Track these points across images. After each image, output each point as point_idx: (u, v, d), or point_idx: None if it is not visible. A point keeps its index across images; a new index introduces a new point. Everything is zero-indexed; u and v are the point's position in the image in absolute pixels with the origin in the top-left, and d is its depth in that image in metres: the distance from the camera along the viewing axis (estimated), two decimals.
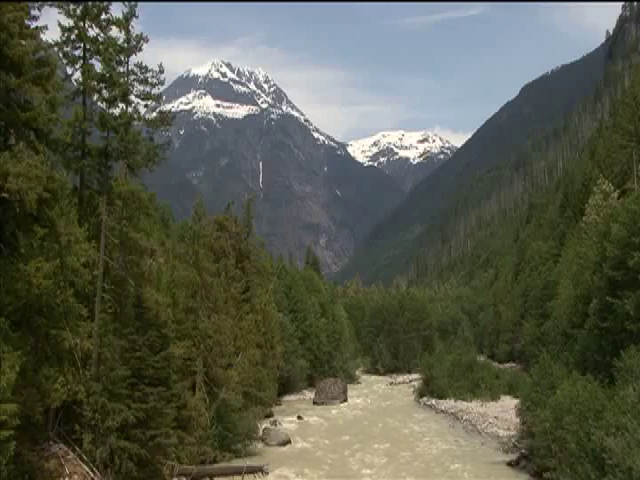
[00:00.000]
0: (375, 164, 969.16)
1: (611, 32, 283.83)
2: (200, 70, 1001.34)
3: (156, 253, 42.20)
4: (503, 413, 58.20)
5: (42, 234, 27.07)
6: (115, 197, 33.50)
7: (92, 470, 28.91)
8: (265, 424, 55.32)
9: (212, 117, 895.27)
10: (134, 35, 33.90)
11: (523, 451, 40.65)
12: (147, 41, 34.29)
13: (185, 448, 38.11)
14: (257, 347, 58.44)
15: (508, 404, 58.91)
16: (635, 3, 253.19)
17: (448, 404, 71.39)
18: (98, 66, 33.67)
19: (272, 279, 75.00)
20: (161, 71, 34.78)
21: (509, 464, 41.75)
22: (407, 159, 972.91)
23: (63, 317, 28.70)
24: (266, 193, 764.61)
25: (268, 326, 66.87)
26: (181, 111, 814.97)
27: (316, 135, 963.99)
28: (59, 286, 28.29)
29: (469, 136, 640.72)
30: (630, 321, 35.95)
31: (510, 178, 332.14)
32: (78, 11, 32.74)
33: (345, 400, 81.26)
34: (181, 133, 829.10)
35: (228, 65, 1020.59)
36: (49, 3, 31.14)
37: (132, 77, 34.10)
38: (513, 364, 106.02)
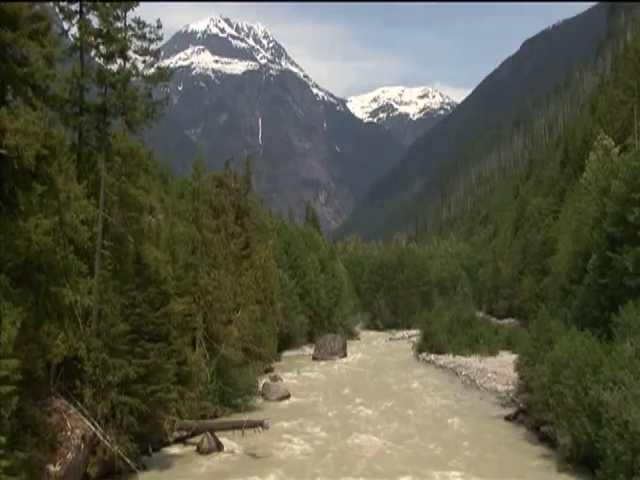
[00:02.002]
0: (375, 120, 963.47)
1: None
2: (198, 26, 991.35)
3: (155, 210, 42.24)
4: (501, 368, 58.53)
5: (41, 191, 26.98)
6: (114, 154, 33.38)
7: (93, 424, 29.16)
8: (265, 379, 55.71)
9: (211, 73, 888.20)
10: None
11: (521, 405, 40.95)
12: None
13: (185, 403, 38.41)
14: (257, 303, 58.62)
15: (506, 359, 59.25)
16: None
17: (447, 359, 71.84)
18: (95, 22, 33.39)
19: (272, 235, 75.11)
20: (159, 26, 34.44)
21: (507, 418, 42.11)
22: (407, 115, 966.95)
23: (63, 274, 28.74)
24: (265, 149, 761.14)
25: (268, 282, 67.02)
26: (179, 67, 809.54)
27: (315, 91, 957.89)
28: (59, 243, 28.30)
29: (469, 92, 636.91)
30: (629, 277, 36.03)
31: (510, 134, 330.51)
32: None
33: (344, 355, 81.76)
34: (179, 89, 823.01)
35: (227, 20, 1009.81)
36: None
37: (130, 33, 33.76)
38: (512, 320, 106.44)
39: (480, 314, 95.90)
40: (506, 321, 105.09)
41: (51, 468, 26.03)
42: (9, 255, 25.11)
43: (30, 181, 26.04)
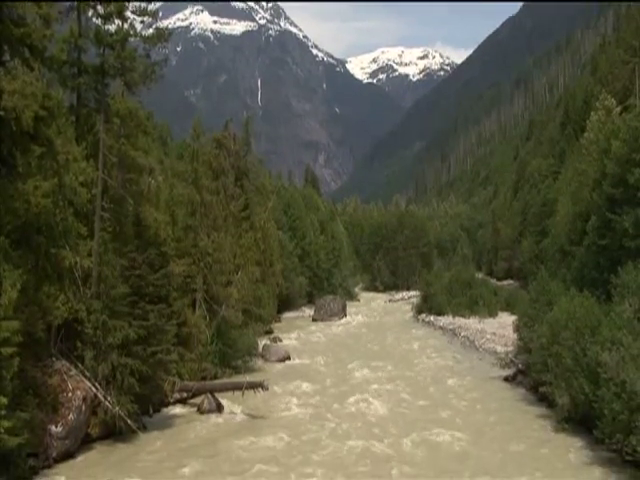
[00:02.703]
0: (374, 81, 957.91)
1: None
2: None
3: (155, 171, 42.09)
4: (500, 329, 58.72)
5: (39, 153, 26.93)
6: (113, 115, 33.19)
7: (94, 386, 29.33)
8: (265, 341, 55.90)
9: (209, 34, 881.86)
10: None
11: (520, 366, 41.12)
12: None
13: (186, 364, 38.61)
14: (256, 265, 58.68)
15: (506, 320, 59.44)
16: None
17: (446, 320, 72.04)
18: None
19: (271, 197, 75.03)
20: None
21: (506, 379, 42.32)
22: (407, 76, 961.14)
23: (63, 236, 28.76)
24: (265, 111, 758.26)
25: (267, 244, 67.10)
26: (178, 28, 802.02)
27: (315, 52, 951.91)
28: (58, 205, 28.28)
29: (470, 52, 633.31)
30: (628, 238, 36.00)
31: (510, 95, 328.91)
32: None
33: (344, 317, 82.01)
34: (178, 50, 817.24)
35: None
36: None
37: None
38: (511, 281, 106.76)
39: (479, 275, 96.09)
40: (505, 282, 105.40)
41: (53, 429, 26.26)
42: (8, 217, 25.12)
43: (28, 143, 25.98)
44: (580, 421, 29.83)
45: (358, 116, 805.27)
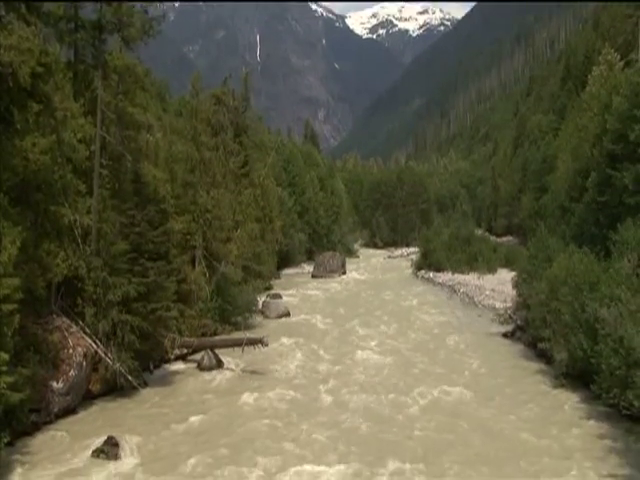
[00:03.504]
0: (374, 37, 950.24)
1: None
2: None
3: (153, 128, 41.89)
4: (500, 285, 58.89)
5: (37, 109, 26.75)
6: (110, 71, 32.92)
7: (95, 342, 29.46)
8: (264, 297, 56.01)
9: None
10: None
11: (518, 322, 41.30)
12: None
13: (186, 321, 38.74)
14: (256, 221, 58.71)
15: (505, 277, 59.55)
16: None
17: (445, 277, 72.28)
18: None
19: (270, 153, 74.82)
20: None
21: (504, 335, 42.53)
22: (406, 31, 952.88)
23: (61, 193, 28.69)
24: (264, 67, 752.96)
25: (267, 200, 67.05)
26: None
27: (314, 7, 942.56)
28: (56, 162, 28.15)
29: (470, 8, 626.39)
30: (628, 194, 35.93)
31: (511, 50, 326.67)
32: None
33: (343, 273, 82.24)
34: (176, 6, 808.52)
35: None
36: None
37: None
38: (511, 237, 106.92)
39: (479, 232, 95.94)
40: (505, 239, 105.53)
41: (54, 385, 26.42)
42: (7, 174, 25.04)
43: (26, 99, 25.79)
44: (578, 376, 30.03)
45: (358, 72, 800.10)
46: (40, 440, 24.66)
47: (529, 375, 33.73)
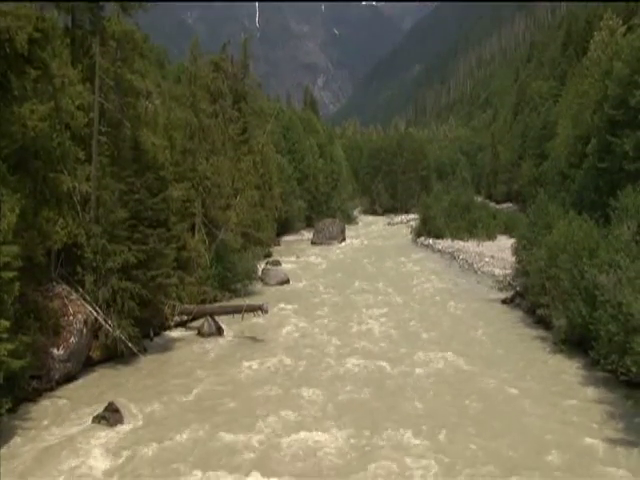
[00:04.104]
0: (374, 2, 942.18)
1: None
2: None
3: (152, 95, 41.62)
4: (499, 252, 58.95)
5: (35, 76, 26.57)
6: (108, 38, 32.67)
7: (95, 310, 29.53)
8: (264, 264, 56.10)
9: None
10: None
11: (517, 289, 41.39)
12: None
13: (186, 288, 38.77)
14: (255, 188, 58.55)
15: (504, 243, 59.59)
16: None
17: (445, 244, 72.34)
18: None
19: (270, 120, 74.46)
20: None
21: (503, 301, 42.64)
22: None
23: (60, 160, 28.59)
24: (263, 33, 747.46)
25: (266, 167, 66.88)
26: None
27: None
28: (55, 129, 28.03)
29: None
30: (628, 161, 35.85)
31: (512, 16, 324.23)
32: None
33: (343, 240, 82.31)
34: None
35: None
36: None
37: None
38: (510, 204, 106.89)
39: (479, 199, 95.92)
40: (504, 205, 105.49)
41: (55, 352, 26.52)
42: (5, 141, 24.93)
43: (23, 65, 25.63)
44: (576, 343, 30.16)
45: (357, 38, 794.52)
46: (41, 406, 24.80)
47: (528, 341, 33.86)
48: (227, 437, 21.77)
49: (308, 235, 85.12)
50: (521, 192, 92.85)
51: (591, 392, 26.00)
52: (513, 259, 42.84)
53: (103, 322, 29.61)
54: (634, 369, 22.04)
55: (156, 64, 74.12)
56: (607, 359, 24.63)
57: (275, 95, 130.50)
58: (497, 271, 50.27)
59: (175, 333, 36.50)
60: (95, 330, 29.55)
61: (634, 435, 21.53)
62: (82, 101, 30.60)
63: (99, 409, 23.63)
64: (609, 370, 25.41)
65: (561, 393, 26.03)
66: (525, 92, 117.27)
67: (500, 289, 42.80)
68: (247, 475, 18.94)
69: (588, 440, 21.42)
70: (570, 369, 28.91)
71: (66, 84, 29.55)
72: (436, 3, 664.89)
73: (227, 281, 45.14)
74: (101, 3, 32.25)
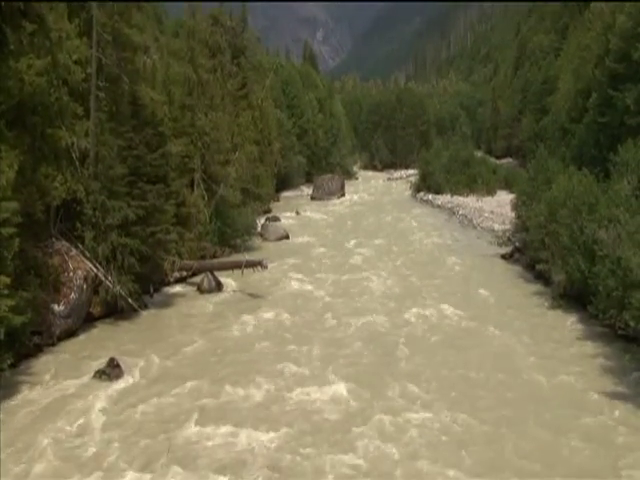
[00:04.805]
0: None
1: None
2: None
3: (150, 50, 41.38)
4: (499, 208, 58.90)
5: (31, 30, 26.32)
6: None
7: (95, 266, 29.57)
8: (263, 220, 56.10)
9: None
10: None
11: (517, 244, 41.41)
12: None
13: (185, 244, 38.76)
14: (254, 144, 58.38)
15: (504, 199, 59.52)
16: None
17: (444, 199, 72.23)
18: None
19: (269, 75, 74.07)
20: None
21: (503, 257, 42.69)
22: None
23: (58, 116, 28.44)
24: None
25: (265, 122, 66.65)
26: None
27: None
28: (52, 84, 27.81)
29: None
30: (629, 115, 35.74)
31: None
32: None
33: (342, 195, 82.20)
34: None
35: None
36: None
37: None
38: (510, 159, 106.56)
39: (478, 154, 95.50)
40: (504, 161, 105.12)
41: (55, 307, 26.64)
42: (2, 96, 24.79)
43: (19, 19, 25.41)
44: (575, 298, 30.26)
45: None
46: (43, 362, 24.97)
47: (527, 296, 33.97)
48: (227, 392, 21.93)
49: (307, 191, 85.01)
50: (521, 147, 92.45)
51: (589, 346, 26.16)
52: (512, 214, 42.81)
53: (103, 278, 29.67)
54: (632, 323, 22.14)
55: (154, 18, 73.38)
56: (605, 314, 24.72)
57: (274, 50, 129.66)
58: (496, 226, 50.27)
59: (175, 289, 36.62)
60: (95, 286, 29.63)
61: (631, 389, 21.70)
62: (79, 56, 30.30)
63: (100, 364, 23.80)
64: (607, 325, 25.58)
65: (559, 347, 26.18)
66: (526, 46, 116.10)
67: (499, 244, 42.82)
68: (247, 429, 19.11)
69: (585, 393, 21.60)
70: (568, 323, 29.05)
71: (63, 38, 29.25)
72: None
73: (226, 237, 45.21)
74: None
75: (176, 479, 16.65)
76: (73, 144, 28.93)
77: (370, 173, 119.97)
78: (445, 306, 31.71)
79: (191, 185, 43.93)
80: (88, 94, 30.65)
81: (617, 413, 20.08)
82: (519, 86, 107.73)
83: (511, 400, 21.31)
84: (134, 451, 18.12)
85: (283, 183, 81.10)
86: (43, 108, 27.24)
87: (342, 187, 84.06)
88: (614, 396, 21.21)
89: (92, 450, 18.18)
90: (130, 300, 30.30)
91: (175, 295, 35.43)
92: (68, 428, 19.44)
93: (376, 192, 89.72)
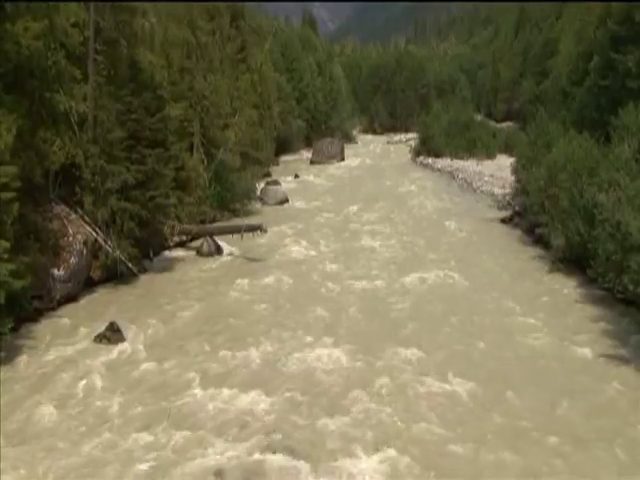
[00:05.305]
0: None
1: None
2: None
3: (148, 13, 41.02)
4: (498, 171, 58.74)
5: None
6: None
7: (94, 230, 29.55)
8: (263, 184, 55.97)
9: None
10: None
11: (516, 208, 41.38)
12: None
13: (185, 208, 38.72)
14: (254, 107, 58.17)
15: (504, 163, 59.29)
16: None
17: (444, 163, 72.09)
18: None
19: (268, 38, 73.47)
20: None
21: (502, 221, 42.70)
22: None
23: (56, 79, 28.26)
24: None
25: (264, 86, 66.31)
26: None
27: None
28: (49, 47, 27.60)
29: None
30: (631, 78, 35.50)
31: None
32: None
33: (342, 159, 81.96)
34: None
35: None
36: None
37: None
38: (510, 123, 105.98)
39: (478, 117, 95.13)
40: (504, 124, 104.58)
41: (55, 272, 26.66)
42: None
43: None
44: (574, 261, 30.29)
45: None
46: (43, 326, 25.06)
47: (526, 260, 34.03)
48: (227, 356, 22.02)
49: (307, 154, 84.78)
50: (521, 110, 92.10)
51: (588, 309, 26.26)
52: (512, 178, 42.74)
53: (103, 243, 29.68)
54: (631, 287, 22.17)
55: None
56: (604, 277, 24.75)
57: (273, 12, 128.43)
58: (496, 190, 50.19)
59: (174, 253, 36.65)
60: (95, 251, 29.63)
61: (630, 352, 21.79)
62: (77, 19, 30.08)
63: (100, 328, 23.86)
64: (606, 288, 25.58)
65: (558, 310, 26.27)
66: (527, 9, 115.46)
67: (499, 208, 42.83)
68: (247, 393, 19.19)
69: (584, 356, 21.71)
70: (567, 287, 29.12)
71: (60, 1, 29.03)
72: None
73: (226, 201, 45.16)
74: None
75: (177, 441, 16.76)
76: (71, 108, 28.78)
77: (370, 137, 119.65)
78: (445, 271, 31.75)
79: (190, 149, 43.82)
80: (86, 58, 30.46)
81: (616, 375, 20.15)
82: (520, 49, 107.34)
83: (510, 363, 21.40)
84: (135, 414, 18.24)
85: (282, 147, 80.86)
86: (41, 72, 27.08)
87: (342, 151, 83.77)
88: (613, 359, 21.31)
89: (93, 413, 18.30)
90: (130, 264, 30.33)
91: (175, 259, 35.47)
92: (69, 391, 19.55)
93: (376, 156, 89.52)
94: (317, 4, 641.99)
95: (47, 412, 18.25)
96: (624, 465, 15.56)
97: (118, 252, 29.76)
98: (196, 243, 37.41)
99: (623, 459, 15.77)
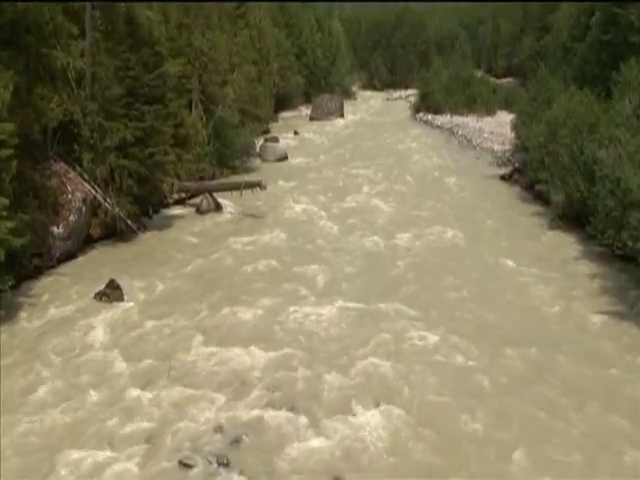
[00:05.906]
0: None
1: None
2: None
3: None
4: (498, 128, 58.49)
5: None
6: None
7: (93, 188, 29.50)
8: (262, 140, 55.70)
9: None
10: None
11: (516, 165, 41.32)
12: None
13: (183, 165, 38.50)
14: (253, 64, 57.81)
15: (504, 119, 59.05)
16: None
17: (444, 119, 71.72)
18: None
19: None
20: None
21: (502, 177, 42.62)
22: None
23: (53, 35, 28.00)
24: None
25: (263, 42, 65.87)
26: None
27: None
28: (46, 2, 27.36)
29: None
30: (633, 32, 35.27)
31: None
32: None
33: (341, 116, 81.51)
34: None
35: None
36: None
37: None
38: (510, 79, 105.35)
39: (479, 73, 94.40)
40: (505, 80, 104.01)
41: (55, 230, 26.65)
42: None
43: None
44: (574, 218, 30.30)
45: None
46: (43, 283, 25.12)
47: (526, 216, 34.03)
48: (227, 313, 22.09)
49: (306, 111, 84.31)
50: (522, 66, 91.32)
51: (587, 265, 26.36)
52: (512, 135, 42.62)
53: (102, 200, 29.65)
54: (630, 243, 22.23)
55: None
56: (604, 234, 24.81)
57: None
58: (496, 147, 50.05)
59: (174, 210, 36.60)
60: (94, 208, 29.61)
61: (628, 308, 21.88)
62: None
63: (100, 286, 23.88)
64: (605, 245, 25.67)
65: (557, 267, 26.34)
66: None
67: (499, 165, 42.78)
68: (248, 349, 19.28)
69: (583, 312, 21.82)
70: (567, 244, 29.18)
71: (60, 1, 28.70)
72: None
73: (225, 158, 44.97)
74: None
75: (177, 397, 16.87)
76: (69, 64, 28.53)
77: (369, 93, 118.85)
78: (445, 228, 31.79)
79: (189, 106, 43.52)
80: (83, 13, 30.15)
81: (614, 331, 20.29)
82: (520, 4, 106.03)
83: (510, 320, 21.49)
84: (135, 370, 18.34)
85: (282, 103, 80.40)
86: (37, 27, 26.81)
87: (341, 107, 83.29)
88: (611, 314, 21.40)
89: (93, 370, 18.39)
90: (129, 222, 30.33)
91: (174, 217, 35.44)
92: (69, 348, 19.64)
93: (375, 112, 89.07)
94: None
95: (46, 369, 18.36)
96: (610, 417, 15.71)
97: (117, 209, 29.74)
98: (195, 200, 37.34)
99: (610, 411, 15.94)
